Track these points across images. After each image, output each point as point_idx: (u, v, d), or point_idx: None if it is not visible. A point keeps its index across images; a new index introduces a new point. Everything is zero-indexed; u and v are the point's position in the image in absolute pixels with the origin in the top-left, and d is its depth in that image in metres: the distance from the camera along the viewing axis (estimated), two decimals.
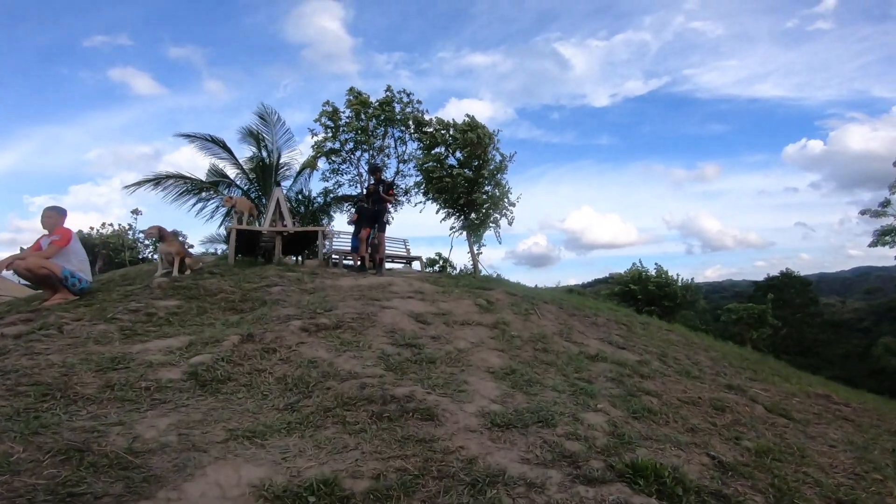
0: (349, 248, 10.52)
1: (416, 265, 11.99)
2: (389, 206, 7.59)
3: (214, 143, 14.79)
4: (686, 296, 19.93)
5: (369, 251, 7.63)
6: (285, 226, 7.63)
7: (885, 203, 21.90)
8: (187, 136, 14.48)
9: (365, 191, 8.20)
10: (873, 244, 21.96)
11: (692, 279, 21.08)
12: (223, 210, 15.05)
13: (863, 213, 22.47)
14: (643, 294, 19.80)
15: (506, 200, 15.01)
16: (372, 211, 7.57)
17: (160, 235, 6.32)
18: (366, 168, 14.84)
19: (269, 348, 3.74)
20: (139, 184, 13.04)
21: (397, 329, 4.44)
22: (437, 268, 20.43)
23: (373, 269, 7.62)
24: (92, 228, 18.55)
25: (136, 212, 14.32)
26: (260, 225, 8.70)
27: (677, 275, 20.75)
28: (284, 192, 16.61)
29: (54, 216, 5.31)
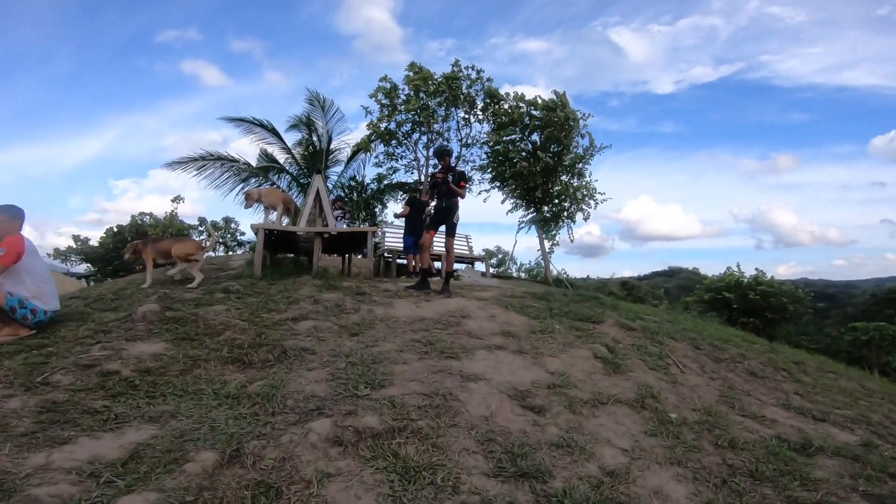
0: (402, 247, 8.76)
1: (479, 266, 10.10)
2: (460, 201, 5.63)
3: (263, 128, 13.51)
4: (796, 308, 16.74)
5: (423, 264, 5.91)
6: (326, 224, 5.95)
7: None
8: (234, 119, 13.28)
9: (429, 179, 6.21)
10: None
11: (799, 288, 17.76)
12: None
13: None
14: (741, 303, 16.80)
15: (588, 195, 12.64)
16: (438, 208, 5.67)
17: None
18: (425, 153, 13.09)
19: (267, 486, 1.96)
20: (181, 162, 11.94)
21: (497, 430, 2.56)
22: (496, 266, 18.54)
23: (431, 275, 5.77)
24: (141, 214, 18.14)
25: (177, 199, 13.52)
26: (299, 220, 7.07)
27: (782, 282, 17.53)
28: (335, 178, 15.29)
29: (3, 220, 3.76)
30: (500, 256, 18.65)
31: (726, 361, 4.78)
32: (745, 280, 17.17)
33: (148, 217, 18.18)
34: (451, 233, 5.70)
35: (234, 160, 12.34)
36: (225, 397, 2.76)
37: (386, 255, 9.66)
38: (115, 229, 17.85)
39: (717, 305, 17.75)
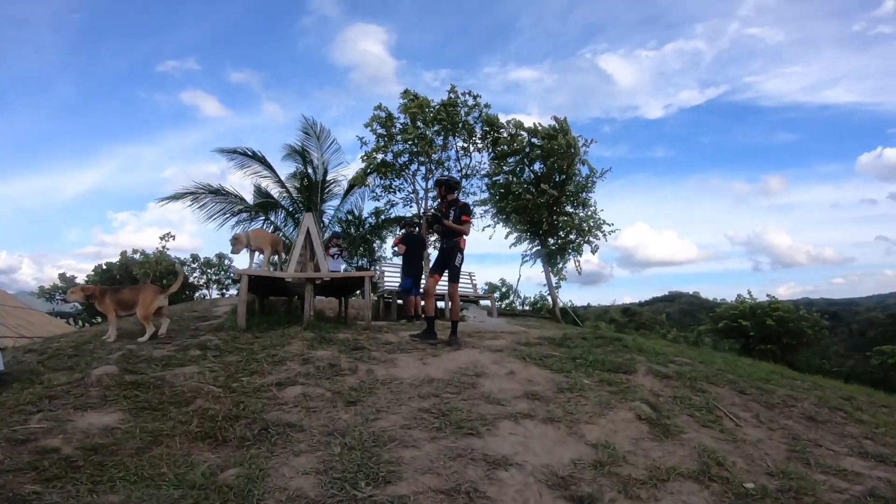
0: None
1: (474, 311, 9.42)
2: (464, 238, 5.05)
3: (255, 159, 13.10)
4: (815, 332, 16.08)
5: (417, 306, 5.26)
6: (317, 268, 5.37)
7: None
8: (227, 151, 12.86)
9: (427, 214, 5.63)
10: None
11: (813, 311, 17.13)
12: (270, 231, 13.31)
13: None
14: (757, 330, 16.13)
15: (595, 226, 12.12)
16: (440, 248, 5.08)
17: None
18: (424, 184, 12.62)
19: None
20: (174, 197, 11.49)
21: None
22: (502, 300, 17.89)
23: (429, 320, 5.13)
24: (135, 252, 17.52)
25: (166, 237, 12.99)
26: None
27: (798, 307, 16.91)
28: (332, 212, 14.81)
29: None
30: (503, 290, 18.02)
31: (779, 406, 4.19)
32: (761, 307, 16.53)
33: (138, 254, 17.55)
34: (453, 278, 5.01)
35: (227, 193, 11.88)
36: (190, 487, 2.16)
37: (385, 296, 9.05)
38: (104, 266, 17.17)
39: (731, 333, 17.07)
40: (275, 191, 13.46)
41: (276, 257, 5.90)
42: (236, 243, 5.54)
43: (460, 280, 5.30)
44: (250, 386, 3.37)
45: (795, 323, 15.70)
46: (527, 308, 18.11)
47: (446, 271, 4.96)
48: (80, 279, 17.85)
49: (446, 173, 12.24)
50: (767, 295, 17.84)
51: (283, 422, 2.87)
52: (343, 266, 9.12)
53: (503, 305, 19.39)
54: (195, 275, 19.02)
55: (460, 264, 5.05)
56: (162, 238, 13.22)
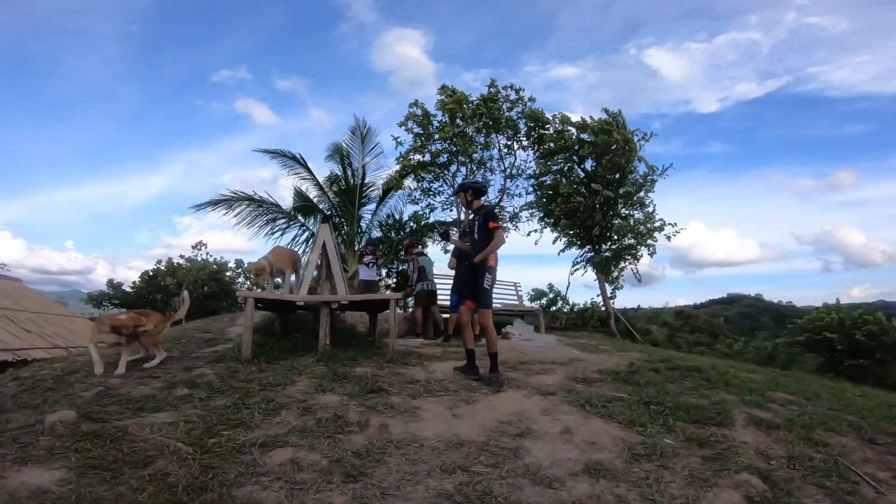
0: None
1: (520, 326, 8.34)
2: (495, 251, 4.14)
3: (294, 161, 12.75)
4: None
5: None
6: (334, 287, 4.61)
7: None
8: (267, 151, 12.58)
9: (441, 228, 4.73)
10: None
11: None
12: (305, 238, 12.93)
13: None
14: (846, 344, 14.15)
15: (654, 228, 10.81)
16: (465, 267, 4.20)
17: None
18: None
19: None
20: (208, 205, 11.28)
21: None
22: (549, 307, 16.71)
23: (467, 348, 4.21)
24: (181, 257, 17.63)
25: (198, 245, 12.78)
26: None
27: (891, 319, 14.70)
28: (369, 216, 14.23)
29: None
30: (551, 296, 16.79)
31: None
32: (851, 318, 14.53)
33: (183, 259, 17.63)
34: (483, 303, 4.07)
35: (261, 201, 11.56)
36: None
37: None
38: (151, 273, 17.35)
39: (815, 346, 15.11)
40: (313, 194, 13.11)
41: (294, 277, 5.17)
42: (260, 274, 4.67)
43: (497, 290, 4.45)
44: (229, 444, 2.66)
45: (890, 336, 13.64)
46: (575, 317, 16.79)
47: (474, 293, 4.09)
48: (126, 286, 18.10)
49: (479, 175, 11.34)
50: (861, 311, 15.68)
51: (254, 502, 2.14)
52: (381, 273, 8.44)
53: (552, 311, 18.16)
54: (239, 280, 19.05)
55: (491, 286, 4.14)
56: (194, 247, 13.07)
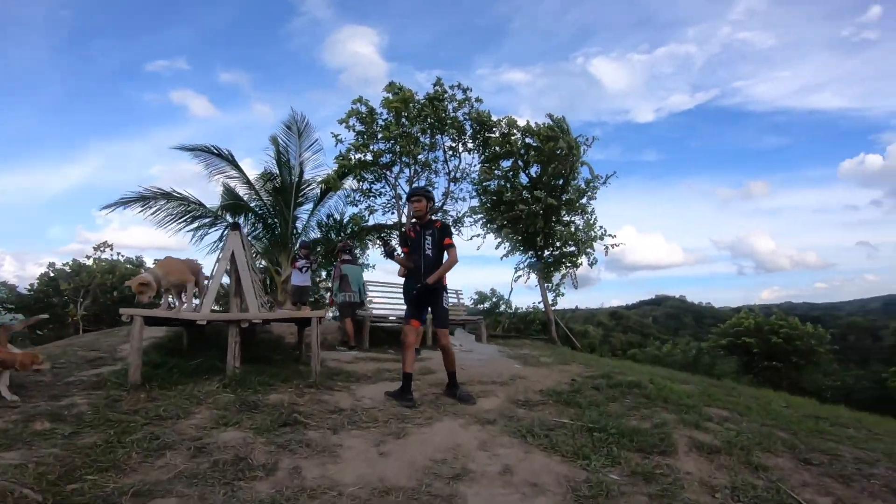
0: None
1: (461, 336, 8.07)
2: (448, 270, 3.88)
3: (220, 157, 11.73)
4: (824, 350, 15.17)
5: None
6: (244, 303, 3.97)
7: None
8: (186, 148, 11.49)
9: (399, 233, 4.31)
10: None
11: (818, 328, 16.16)
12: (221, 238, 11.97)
13: None
14: (763, 348, 15.16)
15: (595, 237, 10.94)
16: (422, 288, 3.84)
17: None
18: (407, 189, 11.28)
19: None
20: (118, 204, 10.09)
21: None
22: (488, 314, 16.66)
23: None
24: (87, 257, 15.57)
25: (101, 247, 11.30)
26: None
27: (806, 324, 15.93)
28: (305, 217, 13.39)
29: None
30: (494, 299, 16.77)
31: (855, 479, 3.10)
32: (768, 323, 15.58)
33: (91, 260, 15.55)
34: (442, 322, 3.86)
35: (182, 198, 10.53)
36: None
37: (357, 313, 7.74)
38: (52, 273, 15.15)
39: (736, 350, 16.09)
40: (244, 192, 12.14)
41: (198, 290, 4.45)
42: (144, 291, 3.82)
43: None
44: (94, 492, 2.12)
45: (803, 341, 14.77)
46: (518, 321, 16.86)
47: (432, 310, 3.82)
48: (22, 289, 15.82)
49: (422, 179, 11.00)
50: (772, 311, 16.85)
51: None
52: (319, 277, 7.86)
53: (496, 314, 18.07)
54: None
55: (449, 306, 3.91)
56: (97, 248, 11.65)
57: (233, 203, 12.02)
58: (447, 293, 3.89)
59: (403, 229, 3.98)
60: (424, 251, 3.84)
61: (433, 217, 4.05)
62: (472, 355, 6.50)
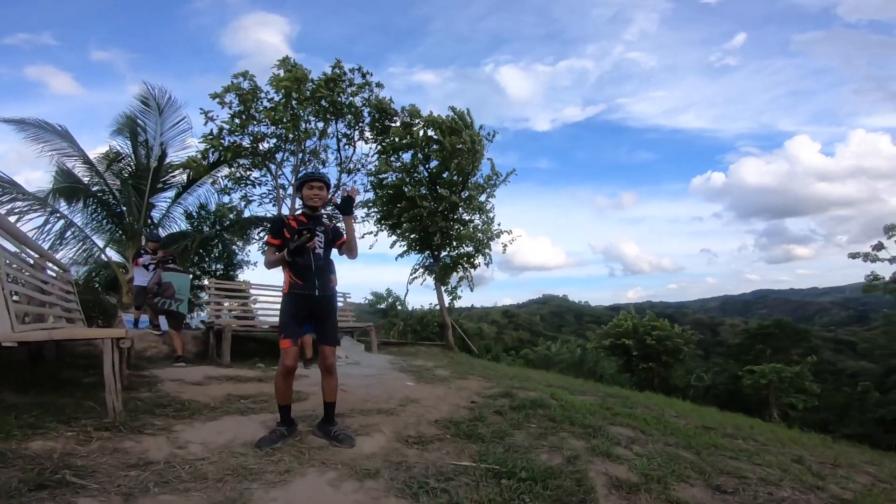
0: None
1: (349, 346, 7.12)
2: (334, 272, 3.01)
3: (54, 133, 9.45)
4: (689, 349, 16.74)
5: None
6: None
7: (878, 247, 20.20)
8: (11, 121, 9.11)
9: (275, 222, 3.25)
10: (867, 290, 20.28)
11: (685, 328, 17.88)
12: (59, 228, 9.61)
13: (853, 256, 20.59)
14: (639, 349, 16.30)
15: (493, 235, 10.64)
16: (304, 295, 2.90)
17: None
18: (292, 179, 9.88)
19: None
20: None
21: None
22: (383, 316, 15.84)
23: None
24: None
25: None
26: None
27: (674, 325, 17.48)
28: (165, 206, 11.24)
29: None
30: (389, 300, 15.93)
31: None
32: (643, 325, 16.78)
33: None
34: (331, 339, 3.01)
35: None
36: None
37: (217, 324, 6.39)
38: None
39: (617, 351, 17.14)
40: (82, 172, 9.91)
41: None
42: None
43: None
44: None
45: (672, 341, 16.16)
46: (415, 323, 16.20)
47: (322, 327, 3.00)
48: None
49: (310, 167, 9.86)
50: (646, 312, 18.29)
51: None
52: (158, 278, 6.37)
53: (391, 316, 17.21)
54: None
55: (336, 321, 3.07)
56: None
57: (68, 186, 9.76)
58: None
59: (280, 218, 3.04)
60: (314, 249, 2.94)
61: (325, 218, 3.16)
62: (358, 369, 5.63)
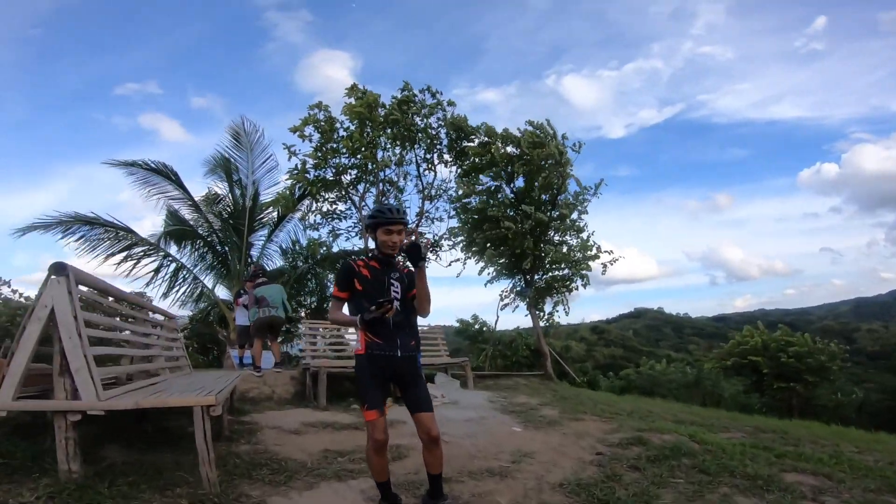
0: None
1: (443, 383, 6.50)
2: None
3: (160, 175, 10.21)
4: (839, 367, 14.21)
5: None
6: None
7: None
8: (121, 163, 9.95)
9: (343, 269, 2.61)
10: None
11: (832, 342, 15.17)
12: (172, 271, 10.33)
13: None
14: (772, 367, 14.06)
15: (591, 256, 9.68)
16: (393, 355, 2.34)
17: None
18: (368, 213, 9.80)
19: None
20: (31, 229, 8.56)
21: None
22: (474, 341, 15.27)
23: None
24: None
25: None
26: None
27: (816, 339, 14.92)
28: (260, 244, 11.69)
29: None
30: (476, 327, 15.29)
31: None
32: (774, 341, 14.53)
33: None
34: (427, 405, 2.40)
35: (108, 224, 9.05)
36: None
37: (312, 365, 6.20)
38: None
39: (743, 370, 14.95)
40: (189, 216, 10.64)
41: None
42: None
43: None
44: None
45: (815, 358, 13.73)
46: (503, 348, 15.35)
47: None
48: None
49: (391, 198, 9.64)
50: (779, 326, 15.83)
51: None
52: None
53: (479, 342, 16.57)
54: None
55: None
56: None
57: (177, 229, 10.53)
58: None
59: (348, 266, 2.50)
60: (391, 298, 2.37)
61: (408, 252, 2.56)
62: (456, 411, 5.11)
